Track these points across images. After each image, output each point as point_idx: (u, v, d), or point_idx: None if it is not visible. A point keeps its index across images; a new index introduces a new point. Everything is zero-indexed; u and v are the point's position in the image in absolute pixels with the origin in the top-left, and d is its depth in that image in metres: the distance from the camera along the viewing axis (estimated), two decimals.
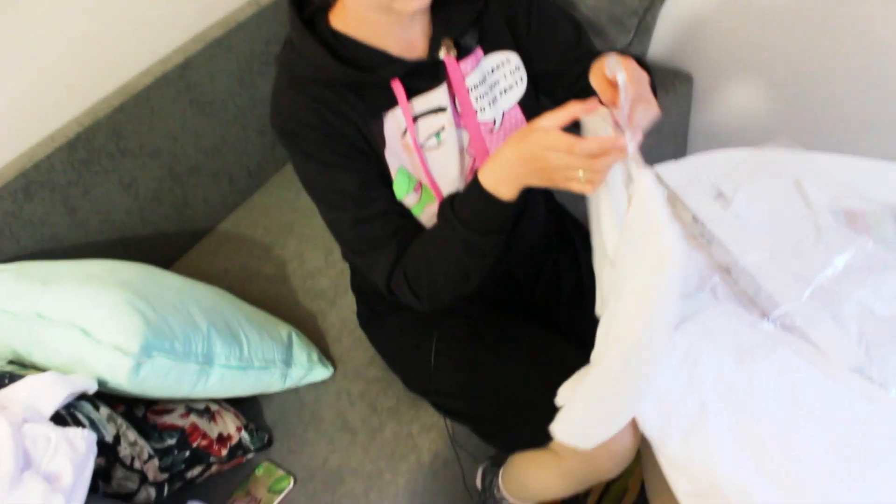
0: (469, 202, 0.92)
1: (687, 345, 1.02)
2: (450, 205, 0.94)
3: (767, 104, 1.85)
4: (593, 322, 1.14)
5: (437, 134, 1.01)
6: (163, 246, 1.65)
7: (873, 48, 1.59)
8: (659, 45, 1.89)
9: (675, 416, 0.96)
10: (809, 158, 1.26)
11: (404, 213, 1.04)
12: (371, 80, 0.96)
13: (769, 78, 1.80)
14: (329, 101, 0.96)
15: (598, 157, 0.79)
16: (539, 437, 1.08)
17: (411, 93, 0.99)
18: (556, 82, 1.10)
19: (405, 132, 1.00)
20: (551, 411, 1.06)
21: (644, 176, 0.80)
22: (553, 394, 1.08)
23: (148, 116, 1.50)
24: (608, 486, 1.58)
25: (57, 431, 0.90)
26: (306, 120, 0.95)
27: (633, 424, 1.01)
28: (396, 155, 1.01)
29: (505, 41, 1.07)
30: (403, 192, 1.02)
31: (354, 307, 1.40)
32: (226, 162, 1.72)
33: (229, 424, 1.24)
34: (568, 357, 1.11)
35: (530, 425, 1.08)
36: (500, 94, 1.06)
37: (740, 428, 0.93)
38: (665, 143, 1.92)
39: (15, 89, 1.36)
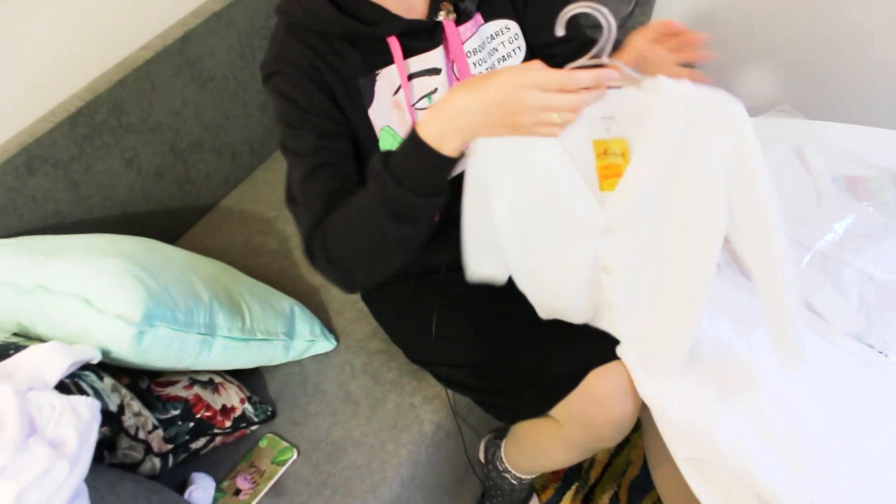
0: (404, 156, 0.84)
1: None
2: (382, 159, 0.85)
3: (771, 77, 1.84)
4: None
5: (429, 96, 1.01)
6: (166, 222, 1.65)
7: (877, 17, 1.58)
8: (660, 15, 1.87)
9: (674, 382, 0.97)
10: (811, 126, 1.26)
11: (355, 180, 0.98)
12: (368, 33, 0.96)
13: (773, 50, 1.78)
14: (322, 52, 0.96)
15: (589, 89, 0.76)
16: (539, 406, 1.09)
17: (407, 52, 0.99)
18: (547, 60, 1.09)
19: (397, 90, 1.00)
20: (551, 379, 1.07)
21: (661, 79, 0.78)
22: (552, 362, 1.08)
23: (148, 91, 1.50)
24: (611, 460, 1.59)
25: (61, 399, 0.91)
26: (293, 60, 0.95)
27: (634, 392, 1.01)
28: (383, 114, 1.00)
29: (505, 9, 1.07)
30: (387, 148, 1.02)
31: None
32: (228, 137, 1.71)
33: (233, 396, 1.25)
34: (567, 324, 1.12)
35: (531, 393, 1.08)
36: (498, 61, 1.06)
37: (740, 393, 0.94)
38: None
39: (15, 64, 1.36)
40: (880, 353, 0.97)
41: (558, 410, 1.06)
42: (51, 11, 1.37)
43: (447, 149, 0.81)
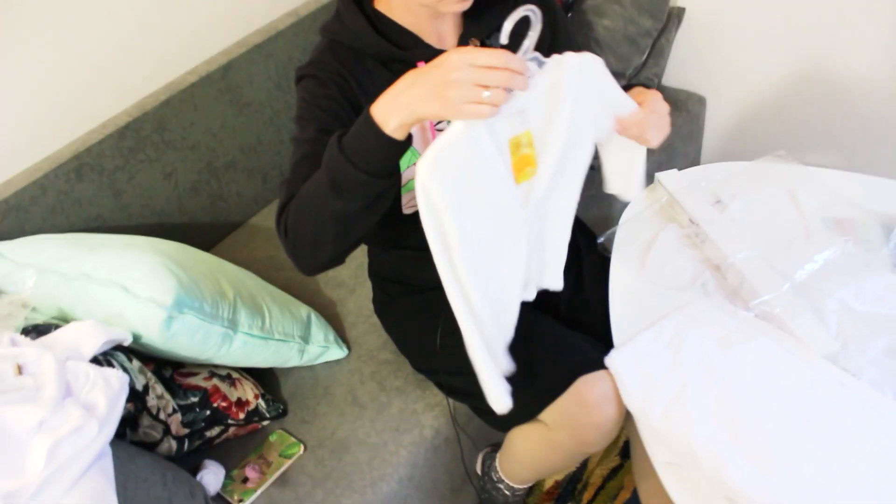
0: (355, 129, 0.88)
1: (674, 330, 1.10)
2: (341, 131, 0.90)
3: (779, 128, 1.92)
4: (589, 303, 1.21)
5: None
6: (198, 235, 1.77)
7: (883, 72, 1.66)
8: (674, 68, 1.98)
9: (657, 391, 1.04)
10: (804, 171, 1.34)
11: None
12: (400, 56, 1.08)
13: (781, 102, 1.87)
14: (354, 68, 1.08)
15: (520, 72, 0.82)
16: (530, 409, 1.16)
17: None
18: None
19: None
20: (543, 386, 1.14)
21: (555, 56, 0.91)
22: (544, 370, 1.15)
23: (191, 112, 1.63)
24: (604, 483, 1.64)
25: (95, 369, 1.00)
26: (327, 69, 1.06)
27: (619, 399, 1.08)
28: None
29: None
30: (405, 164, 1.12)
31: (371, 295, 1.50)
32: (260, 160, 1.84)
33: (248, 391, 1.34)
34: (557, 333, 1.19)
35: (523, 399, 1.15)
36: None
37: (717, 403, 1.00)
38: (677, 163, 2.00)
39: (74, 81, 1.50)
40: (853, 375, 1.04)
41: (548, 413, 1.13)
42: (108, 35, 1.52)
43: (389, 127, 0.85)
